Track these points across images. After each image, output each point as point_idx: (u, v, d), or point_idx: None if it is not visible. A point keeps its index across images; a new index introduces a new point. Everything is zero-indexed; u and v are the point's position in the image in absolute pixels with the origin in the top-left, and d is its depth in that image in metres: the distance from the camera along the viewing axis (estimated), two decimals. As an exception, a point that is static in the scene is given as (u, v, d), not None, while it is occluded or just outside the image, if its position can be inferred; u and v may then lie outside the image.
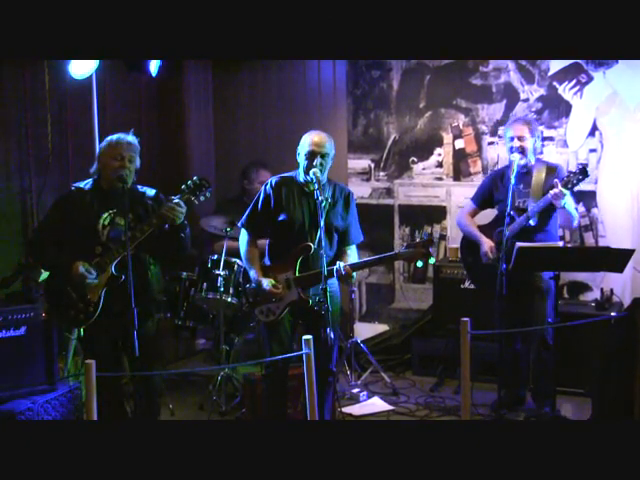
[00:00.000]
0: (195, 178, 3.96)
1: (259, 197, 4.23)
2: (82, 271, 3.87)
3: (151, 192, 4.12)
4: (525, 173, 4.73)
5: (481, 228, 4.91)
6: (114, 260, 3.88)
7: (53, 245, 4.00)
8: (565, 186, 4.40)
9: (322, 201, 3.97)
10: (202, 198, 3.95)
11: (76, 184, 4.13)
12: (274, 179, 4.24)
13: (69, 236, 3.98)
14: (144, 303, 3.98)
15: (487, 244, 4.78)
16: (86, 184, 4.07)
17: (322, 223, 3.95)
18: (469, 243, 4.97)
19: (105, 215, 3.97)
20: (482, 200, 4.96)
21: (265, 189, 4.21)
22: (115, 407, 4.07)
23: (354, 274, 4.08)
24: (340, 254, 4.23)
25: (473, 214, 5.00)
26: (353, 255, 4.24)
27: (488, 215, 5.00)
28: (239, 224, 4.34)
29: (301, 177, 4.16)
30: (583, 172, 4.39)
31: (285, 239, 4.17)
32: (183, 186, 3.94)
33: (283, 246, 4.18)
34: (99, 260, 3.92)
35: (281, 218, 4.14)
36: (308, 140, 4.09)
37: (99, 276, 3.91)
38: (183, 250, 4.08)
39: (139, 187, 4.12)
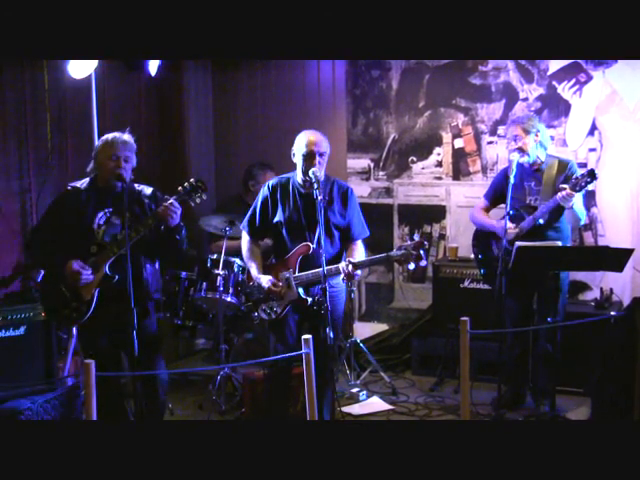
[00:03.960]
0: (192, 180, 3.97)
1: (258, 199, 4.29)
2: (76, 267, 3.86)
3: (148, 190, 4.13)
4: (536, 170, 4.73)
5: None
6: (109, 259, 3.90)
7: (50, 245, 3.99)
8: (573, 188, 4.41)
9: (321, 200, 3.97)
10: (198, 200, 3.96)
11: (72, 184, 4.14)
12: (271, 181, 4.29)
13: (65, 236, 3.98)
14: (138, 302, 3.98)
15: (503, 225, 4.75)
16: (82, 183, 4.08)
17: (321, 222, 3.95)
18: (481, 241, 4.96)
19: (101, 214, 3.98)
20: (493, 197, 4.96)
21: (263, 191, 4.27)
22: (115, 406, 4.07)
23: (357, 272, 4.06)
24: (346, 250, 4.24)
25: (486, 210, 5.01)
26: (359, 250, 4.23)
27: (497, 214, 5.01)
28: (241, 226, 4.40)
29: (298, 177, 4.17)
30: (591, 174, 4.39)
31: (285, 239, 4.21)
32: (180, 187, 3.94)
33: (284, 246, 4.22)
34: (94, 259, 3.93)
35: (278, 219, 4.19)
36: (305, 141, 4.10)
37: (94, 274, 3.91)
38: (178, 251, 4.08)
39: (136, 186, 4.12)
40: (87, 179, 4.08)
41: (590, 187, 4.55)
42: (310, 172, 4.02)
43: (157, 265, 4.17)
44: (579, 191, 4.44)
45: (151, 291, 4.12)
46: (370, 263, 4.32)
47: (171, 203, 3.86)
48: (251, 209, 4.33)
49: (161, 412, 4.31)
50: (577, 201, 4.54)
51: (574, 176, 4.48)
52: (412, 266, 4.03)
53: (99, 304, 3.92)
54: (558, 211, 4.61)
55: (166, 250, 4.09)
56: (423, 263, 4.01)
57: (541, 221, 4.60)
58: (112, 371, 3.82)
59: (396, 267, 6.28)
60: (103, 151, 3.99)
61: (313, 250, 4.11)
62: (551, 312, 4.54)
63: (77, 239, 3.96)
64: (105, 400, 3.91)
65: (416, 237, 4.09)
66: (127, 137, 4.03)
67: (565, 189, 4.43)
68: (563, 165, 4.71)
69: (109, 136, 4.03)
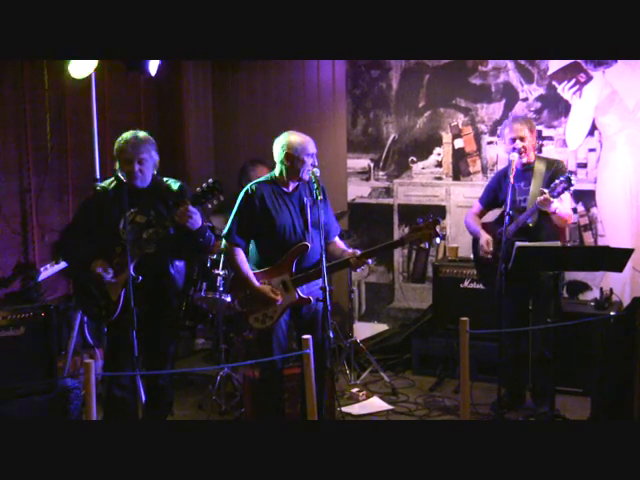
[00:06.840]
0: (210, 181, 3.85)
1: (241, 207, 4.11)
2: (99, 271, 3.89)
3: (175, 185, 4.06)
4: (525, 170, 4.74)
5: (485, 225, 4.95)
6: (132, 260, 3.83)
7: (78, 246, 4.01)
8: (551, 193, 4.42)
9: (320, 200, 3.97)
10: (215, 202, 3.86)
11: (100, 183, 4.16)
12: (253, 186, 4.12)
13: (94, 236, 3.99)
14: (163, 301, 4.03)
15: (483, 237, 4.82)
16: (110, 182, 4.05)
17: (322, 221, 3.94)
18: (476, 244, 4.98)
19: (126, 214, 3.91)
20: (487, 201, 4.99)
21: (246, 197, 4.10)
22: (133, 406, 4.07)
23: (369, 260, 4.08)
24: (330, 247, 4.21)
25: (480, 215, 5.03)
26: (342, 245, 4.26)
27: (492, 213, 5.01)
28: (223, 236, 4.16)
29: (281, 177, 4.11)
30: (567, 181, 4.40)
31: (276, 242, 4.08)
32: (198, 189, 3.85)
33: (275, 250, 4.09)
34: (118, 260, 3.91)
35: (270, 222, 4.05)
36: (307, 142, 4.09)
37: (118, 276, 3.91)
38: (201, 252, 4.08)
39: (164, 180, 4.07)
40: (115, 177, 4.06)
41: (582, 185, 4.53)
42: (311, 172, 4.02)
43: (183, 262, 4.14)
44: (556, 196, 4.43)
45: (180, 286, 4.11)
46: (386, 248, 4.31)
47: (187, 208, 3.78)
48: (233, 219, 4.11)
49: (165, 413, 4.32)
50: (560, 206, 4.51)
51: (553, 182, 4.47)
52: (427, 244, 4.03)
53: (126, 304, 3.87)
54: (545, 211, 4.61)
55: (190, 251, 4.07)
56: (438, 240, 4.02)
57: (530, 224, 4.61)
58: (134, 370, 3.80)
59: (396, 267, 6.29)
60: (119, 154, 3.95)
61: (309, 249, 4.07)
62: (550, 313, 4.55)
63: (104, 239, 3.96)
64: (123, 400, 4.01)
65: (430, 218, 4.06)
66: (142, 135, 3.96)
67: (544, 194, 4.44)
68: (550, 164, 4.75)
69: (122, 139, 3.95)
